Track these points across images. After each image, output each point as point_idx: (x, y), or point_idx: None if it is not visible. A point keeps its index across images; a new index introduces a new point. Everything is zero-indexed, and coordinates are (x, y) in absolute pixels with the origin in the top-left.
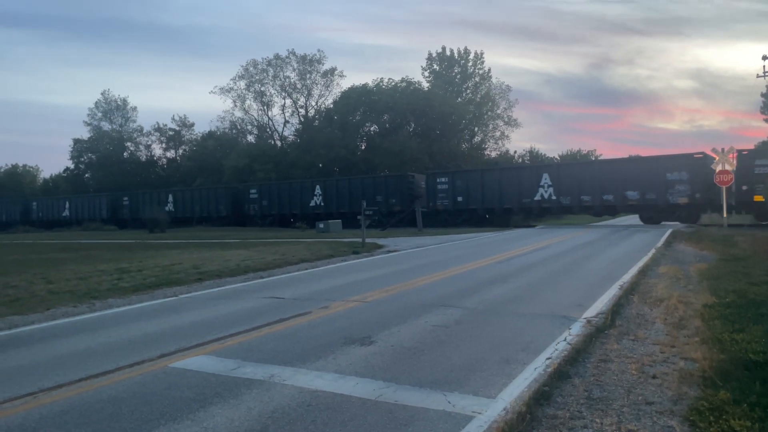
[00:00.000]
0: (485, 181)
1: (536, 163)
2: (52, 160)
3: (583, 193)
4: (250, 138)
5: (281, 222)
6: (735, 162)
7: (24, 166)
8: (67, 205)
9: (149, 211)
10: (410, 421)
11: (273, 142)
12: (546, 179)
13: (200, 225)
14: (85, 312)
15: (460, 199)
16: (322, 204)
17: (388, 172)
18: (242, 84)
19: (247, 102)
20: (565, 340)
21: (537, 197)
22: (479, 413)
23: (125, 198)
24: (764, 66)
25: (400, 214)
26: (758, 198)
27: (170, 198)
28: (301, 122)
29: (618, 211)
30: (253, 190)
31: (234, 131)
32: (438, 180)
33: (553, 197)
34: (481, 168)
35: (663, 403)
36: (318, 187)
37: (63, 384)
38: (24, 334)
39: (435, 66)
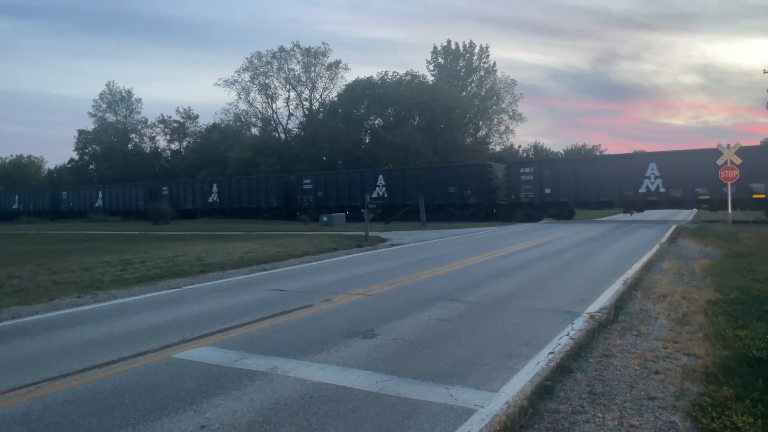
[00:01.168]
0: (578, 172)
1: (641, 152)
2: (57, 151)
3: (698, 185)
4: (254, 131)
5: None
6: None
7: (29, 156)
8: (101, 195)
9: (191, 201)
10: (412, 414)
11: (277, 135)
12: (653, 169)
13: (246, 218)
14: (89, 303)
15: (548, 191)
16: (386, 195)
17: (465, 161)
18: (247, 76)
19: (252, 94)
20: (567, 335)
21: (642, 189)
22: (481, 407)
23: (164, 188)
24: None
25: (475, 207)
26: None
27: (214, 188)
28: (305, 115)
29: (744, 205)
30: (306, 181)
31: (238, 124)
32: (522, 170)
33: (662, 189)
34: (574, 157)
35: (665, 399)
36: (381, 177)
37: (67, 374)
38: (28, 324)
39: (440, 59)
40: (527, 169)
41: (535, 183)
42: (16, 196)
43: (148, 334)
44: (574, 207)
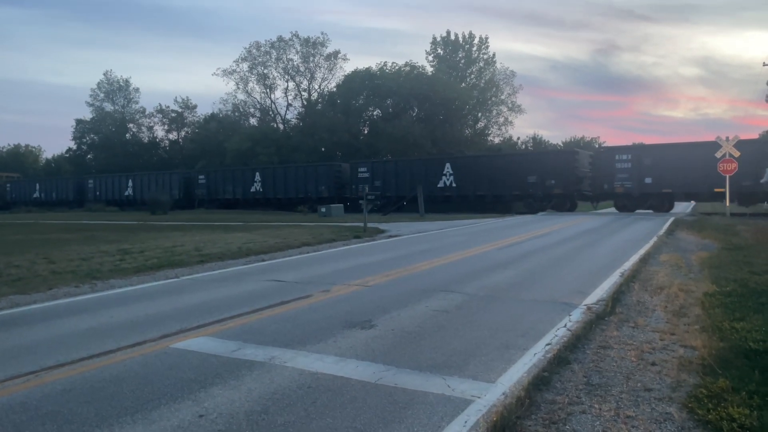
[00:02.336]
0: (687, 159)
1: None
2: (55, 141)
3: None
4: (253, 121)
5: (398, 207)
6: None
7: (26, 146)
8: (131, 184)
9: (231, 191)
10: (410, 405)
11: (275, 126)
12: None
13: (292, 210)
14: (87, 292)
15: (648, 180)
16: (454, 185)
17: (557, 146)
18: (245, 66)
19: (250, 84)
20: (565, 326)
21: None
22: (478, 397)
23: (201, 176)
24: None
25: (558, 198)
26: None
27: (257, 177)
28: (303, 105)
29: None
30: (362, 168)
31: (236, 114)
32: (617, 157)
33: None
34: (684, 143)
35: (662, 390)
36: (448, 165)
37: (65, 363)
38: (26, 313)
39: (439, 50)
40: (624, 156)
41: (632, 172)
42: (37, 185)
43: (146, 323)
44: (681, 198)
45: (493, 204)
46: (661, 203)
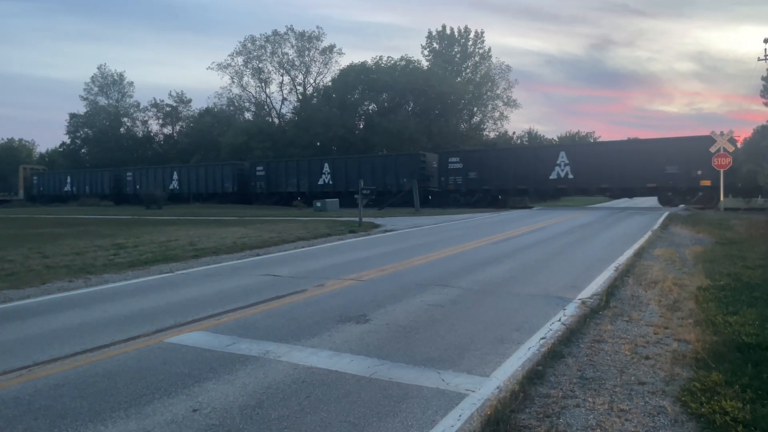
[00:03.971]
0: None
1: None
2: (48, 135)
3: None
4: (248, 115)
5: (491, 202)
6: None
7: (20, 140)
8: (176, 176)
9: (295, 183)
10: (404, 399)
11: (270, 120)
12: None
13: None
14: (81, 287)
15: None
16: (571, 177)
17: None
18: (240, 60)
19: (245, 79)
20: (559, 320)
21: None
22: (473, 391)
23: (259, 168)
24: (765, 49)
25: (705, 191)
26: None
27: (326, 168)
28: (299, 100)
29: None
30: (454, 159)
31: (231, 108)
32: None
33: None
34: None
35: (655, 384)
36: (563, 154)
37: (58, 358)
38: (19, 308)
39: (435, 45)
40: None
41: None
42: (68, 177)
43: (140, 318)
44: None
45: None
46: None
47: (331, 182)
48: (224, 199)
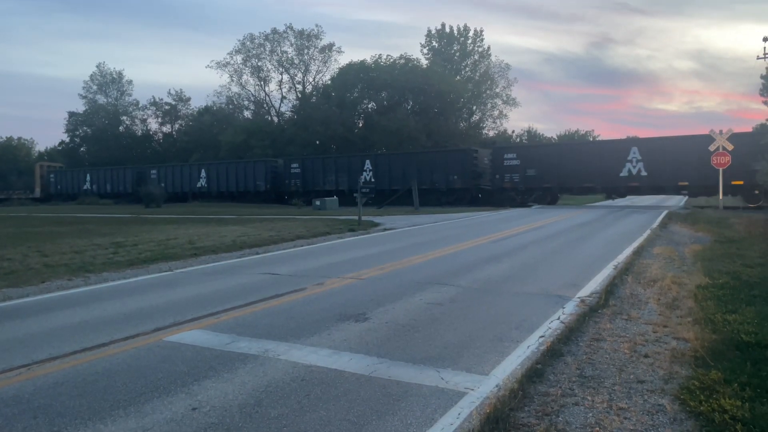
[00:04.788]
0: None
1: None
2: (47, 133)
3: None
4: (247, 114)
5: (551, 201)
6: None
7: (19, 138)
8: (203, 174)
9: (334, 181)
10: (403, 397)
11: (270, 118)
12: None
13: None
14: (80, 285)
15: None
16: (644, 174)
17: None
18: (239, 59)
19: (244, 77)
20: (558, 319)
21: None
22: (472, 390)
23: (294, 165)
24: (765, 47)
25: None
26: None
27: (368, 165)
28: (298, 98)
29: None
30: (510, 155)
31: (230, 107)
32: None
33: None
34: None
35: (654, 382)
36: (635, 150)
37: (57, 356)
38: (18, 306)
39: (434, 43)
40: None
41: None
42: (87, 175)
43: (139, 317)
44: None
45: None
46: None
47: (373, 180)
48: (256, 197)
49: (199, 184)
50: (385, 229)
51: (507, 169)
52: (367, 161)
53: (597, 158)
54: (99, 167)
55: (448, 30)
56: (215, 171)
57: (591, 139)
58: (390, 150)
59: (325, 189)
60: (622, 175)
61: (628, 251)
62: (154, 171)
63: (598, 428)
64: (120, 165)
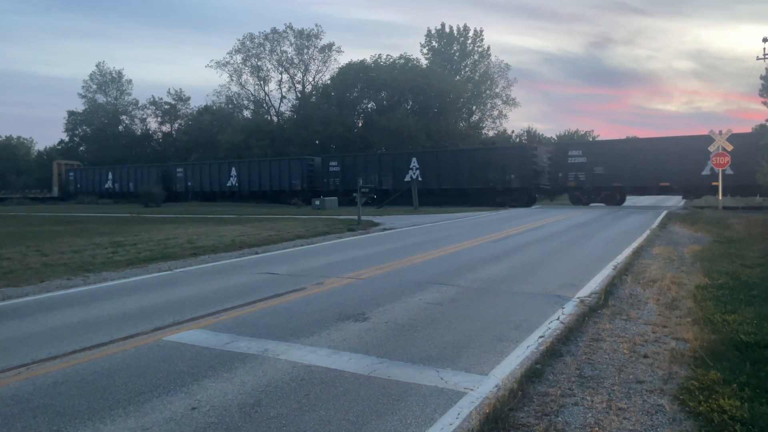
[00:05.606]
0: None
1: None
2: (46, 132)
3: None
4: (246, 113)
5: (619, 201)
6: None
7: (18, 138)
8: (234, 173)
9: (376, 180)
10: (403, 397)
11: (269, 118)
12: None
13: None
14: (79, 285)
15: None
16: (730, 173)
17: None
18: (239, 58)
19: (244, 76)
20: (558, 319)
21: None
22: (471, 390)
23: (333, 163)
24: (764, 48)
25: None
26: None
27: (414, 162)
28: (297, 98)
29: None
30: (575, 152)
31: (230, 106)
32: None
33: None
34: None
35: (653, 382)
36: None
37: (57, 356)
38: (17, 305)
39: (434, 43)
40: None
41: None
42: (109, 173)
43: (138, 316)
44: None
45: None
46: None
47: (420, 178)
48: (292, 197)
49: (229, 183)
50: (385, 229)
51: (571, 167)
52: (414, 159)
53: (678, 156)
54: (122, 165)
55: (447, 30)
56: (247, 169)
57: (669, 136)
58: (391, 149)
59: (384, 188)
60: (704, 174)
61: (627, 251)
62: (180, 169)
63: (597, 428)
64: (146, 163)
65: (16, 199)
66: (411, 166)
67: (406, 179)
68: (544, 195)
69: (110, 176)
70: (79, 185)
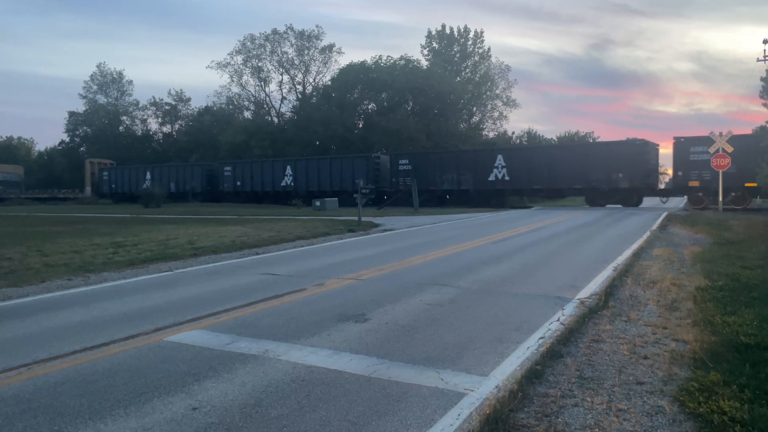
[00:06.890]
0: None
1: None
2: (47, 133)
3: None
4: (247, 114)
5: (737, 200)
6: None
7: (19, 138)
8: (289, 171)
9: (455, 180)
10: (403, 398)
11: (270, 119)
12: None
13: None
14: (80, 285)
15: None
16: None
17: None
18: (239, 59)
19: (244, 77)
20: (558, 320)
21: None
22: (471, 390)
23: (403, 161)
24: (764, 50)
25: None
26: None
27: (499, 159)
28: (298, 99)
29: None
30: (698, 149)
31: (230, 107)
32: None
33: None
34: None
35: (654, 384)
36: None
37: (58, 356)
38: (18, 306)
39: (434, 44)
40: None
41: None
42: (148, 173)
43: (139, 317)
44: None
45: None
46: None
47: (507, 178)
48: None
49: (283, 183)
50: (385, 230)
51: (693, 165)
52: (499, 156)
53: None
54: (162, 163)
55: (448, 31)
56: (304, 168)
57: None
58: (389, 148)
59: (443, 188)
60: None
61: (627, 253)
62: (228, 168)
63: (597, 429)
64: (188, 162)
65: (47, 199)
66: (496, 164)
67: (490, 178)
68: (656, 195)
69: (148, 176)
70: (114, 185)
